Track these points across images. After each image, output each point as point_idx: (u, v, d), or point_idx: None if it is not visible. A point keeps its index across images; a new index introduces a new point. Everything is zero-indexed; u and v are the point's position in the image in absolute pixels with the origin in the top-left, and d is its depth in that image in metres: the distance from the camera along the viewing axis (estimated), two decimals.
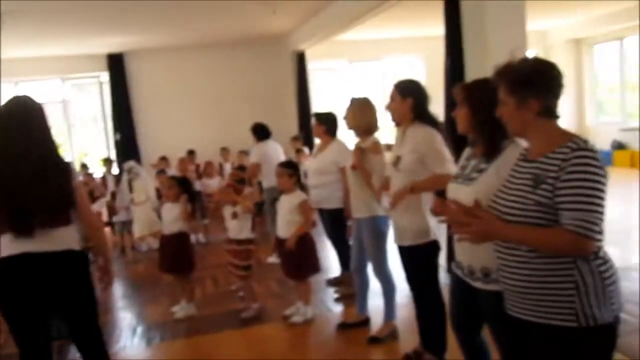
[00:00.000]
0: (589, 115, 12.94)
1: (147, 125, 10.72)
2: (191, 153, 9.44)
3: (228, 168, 8.83)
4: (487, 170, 2.22)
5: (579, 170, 1.68)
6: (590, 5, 9.88)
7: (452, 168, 2.82)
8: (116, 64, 10.47)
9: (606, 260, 1.80)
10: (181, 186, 4.77)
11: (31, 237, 2.48)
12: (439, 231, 3.16)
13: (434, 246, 3.13)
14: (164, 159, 9.06)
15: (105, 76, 10.61)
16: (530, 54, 5.42)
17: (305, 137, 6.65)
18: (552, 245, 1.74)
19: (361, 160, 3.67)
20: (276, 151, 6.42)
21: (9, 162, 2.50)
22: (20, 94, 2.67)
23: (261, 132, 6.50)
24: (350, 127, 3.88)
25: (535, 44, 12.50)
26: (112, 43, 9.54)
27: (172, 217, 4.69)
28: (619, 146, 11.77)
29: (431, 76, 10.15)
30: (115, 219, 7.69)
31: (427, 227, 3.05)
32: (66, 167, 2.58)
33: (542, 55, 12.84)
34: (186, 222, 4.73)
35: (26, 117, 2.53)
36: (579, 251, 1.72)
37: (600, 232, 1.71)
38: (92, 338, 2.75)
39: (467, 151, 2.47)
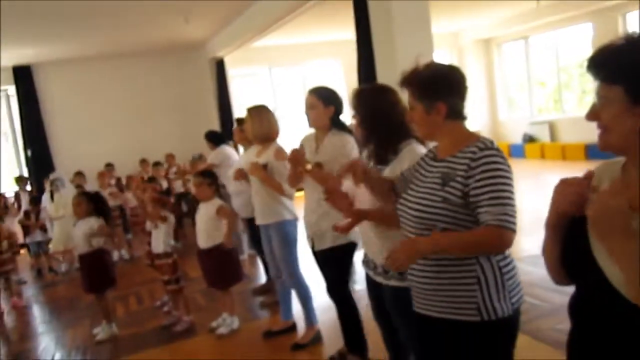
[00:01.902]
0: (501, 111, 13.62)
1: (62, 140, 10.25)
2: (109, 166, 9.12)
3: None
4: (383, 172, 2.33)
5: (491, 169, 1.74)
6: (496, 6, 10.40)
7: None
8: (24, 77, 9.94)
9: (506, 256, 1.86)
10: (91, 202, 4.57)
11: None
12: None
13: (351, 246, 3.18)
14: (79, 173, 8.69)
15: (12, 89, 10.04)
16: (438, 56, 5.65)
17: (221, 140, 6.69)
18: (480, 244, 1.76)
19: (265, 175, 3.67)
20: (234, 156, 6.31)
21: None
22: None
23: (216, 138, 6.53)
24: (251, 136, 3.89)
25: (447, 45, 13.07)
26: (19, 54, 9.04)
27: (83, 234, 4.48)
28: (529, 139, 12.46)
29: (349, 80, 10.35)
30: (29, 239, 7.31)
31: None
32: None
33: (454, 55, 13.45)
34: (102, 239, 4.54)
35: None
36: (504, 245, 1.75)
37: (516, 224, 1.75)
38: None
39: (364, 154, 2.58)
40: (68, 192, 6.92)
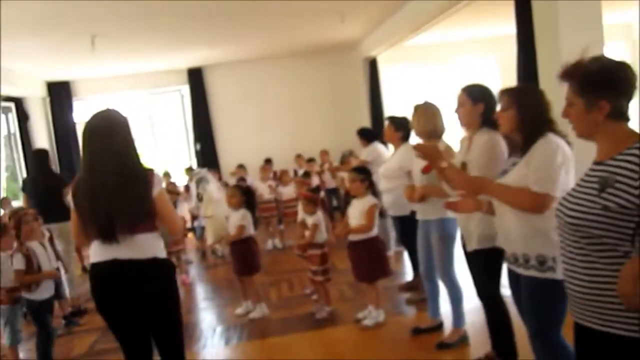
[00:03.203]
0: None
1: (225, 135, 11.18)
2: (268, 161, 9.74)
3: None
4: (519, 163, 2.45)
5: None
6: None
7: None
8: (196, 77, 11.02)
9: None
10: (244, 195, 5.02)
11: (117, 243, 2.60)
12: None
13: (497, 251, 3.09)
14: (241, 166, 9.42)
15: (186, 89, 11.17)
16: (609, 49, 5.19)
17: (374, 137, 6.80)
18: None
19: (438, 161, 3.65)
20: (385, 154, 6.43)
21: (93, 170, 2.64)
22: (108, 107, 2.80)
23: (369, 135, 6.74)
24: (417, 133, 3.91)
25: (619, 37, 11.85)
26: (192, 58, 10.05)
27: (235, 224, 4.94)
28: None
29: (504, 77, 9.93)
30: (196, 224, 8.09)
31: (492, 231, 3.03)
32: (147, 177, 2.67)
33: (627, 48, 12.17)
34: (247, 228, 4.93)
35: (110, 130, 2.65)
36: None
37: None
38: (175, 346, 2.85)
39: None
40: (212, 188, 7.42)
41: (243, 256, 4.96)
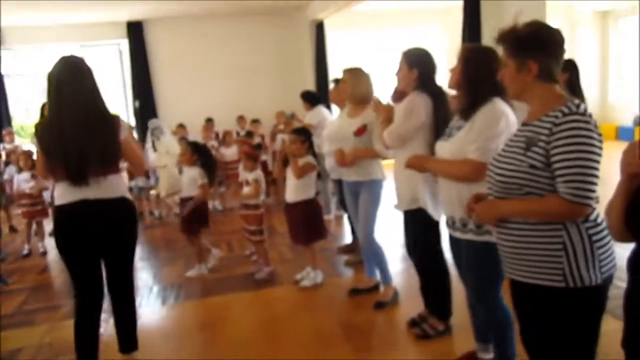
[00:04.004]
0: (612, 91, 12.72)
1: (166, 93, 10.82)
2: (209, 121, 9.52)
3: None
4: (464, 127, 2.45)
5: (570, 135, 1.70)
6: None
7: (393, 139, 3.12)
8: (136, 32, 10.51)
9: (597, 224, 1.82)
10: (196, 152, 4.90)
11: (86, 185, 2.69)
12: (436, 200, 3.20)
13: (426, 213, 3.17)
14: (181, 126, 9.16)
15: (125, 43, 10.67)
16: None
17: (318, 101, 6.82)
18: (547, 213, 1.80)
19: (360, 154, 3.74)
20: (329, 117, 6.41)
21: (61, 114, 2.68)
22: (71, 54, 2.84)
23: (312, 98, 6.68)
24: (347, 96, 3.92)
25: (560, 17, 12.24)
26: (132, 11, 9.58)
27: (188, 180, 4.85)
28: None
29: (451, 47, 10.06)
30: (133, 184, 7.84)
31: (418, 195, 3.09)
32: (114, 120, 2.78)
33: (566, 28, 12.59)
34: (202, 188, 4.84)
35: (77, 75, 2.73)
36: (574, 217, 1.77)
37: (593, 198, 1.73)
38: (128, 283, 3.05)
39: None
40: (167, 139, 7.29)
41: (192, 213, 4.85)
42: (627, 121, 11.85)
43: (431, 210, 3.07)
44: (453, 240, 2.65)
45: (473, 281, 2.56)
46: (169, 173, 6.91)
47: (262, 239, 4.73)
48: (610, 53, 12.66)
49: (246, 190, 4.67)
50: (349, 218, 5.10)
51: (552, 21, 4.32)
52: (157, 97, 10.81)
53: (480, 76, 2.41)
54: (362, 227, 3.87)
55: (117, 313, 3.06)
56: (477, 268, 2.49)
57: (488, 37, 4.61)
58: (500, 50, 1.98)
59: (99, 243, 2.81)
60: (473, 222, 2.42)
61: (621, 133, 11.78)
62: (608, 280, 1.85)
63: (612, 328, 1.96)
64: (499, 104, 2.39)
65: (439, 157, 2.58)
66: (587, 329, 1.87)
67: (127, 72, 10.80)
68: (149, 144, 7.54)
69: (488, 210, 1.95)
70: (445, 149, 2.53)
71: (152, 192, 8.09)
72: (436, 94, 3.06)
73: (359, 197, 3.87)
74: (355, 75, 3.89)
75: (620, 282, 1.96)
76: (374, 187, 3.83)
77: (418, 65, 3.09)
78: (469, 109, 2.45)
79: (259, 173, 4.71)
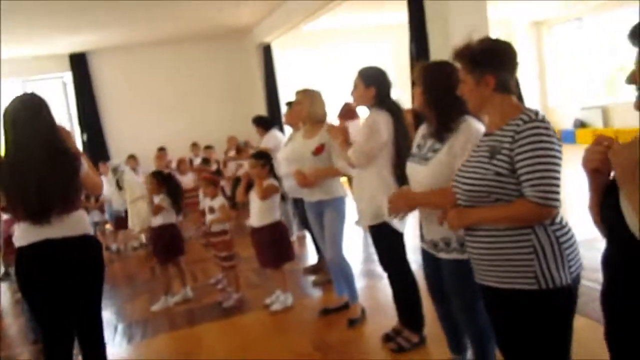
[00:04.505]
0: (551, 96, 13.28)
1: (115, 125, 10.62)
2: (162, 150, 9.38)
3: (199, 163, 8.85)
4: (440, 150, 2.41)
5: (532, 141, 1.78)
6: None
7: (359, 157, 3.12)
8: (79, 64, 10.32)
9: (563, 226, 1.90)
10: (161, 182, 4.90)
11: (48, 223, 2.59)
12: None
13: (390, 228, 3.20)
14: (132, 157, 8.99)
15: (68, 76, 10.43)
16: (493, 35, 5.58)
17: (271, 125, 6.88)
18: (517, 218, 1.85)
19: (323, 174, 3.77)
20: (284, 139, 6.42)
21: (20, 153, 2.61)
22: (25, 91, 2.86)
23: (265, 123, 6.67)
24: (304, 117, 3.95)
25: (499, 30, 12.73)
26: (74, 42, 9.38)
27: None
28: (580, 124, 12.13)
29: (397, 63, 10.29)
30: (89, 219, 7.60)
31: (381, 210, 3.12)
32: (74, 155, 2.71)
33: (506, 40, 13.11)
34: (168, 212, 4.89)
35: (34, 111, 2.67)
36: (542, 219, 1.84)
37: (559, 199, 1.81)
38: (97, 326, 2.91)
39: (422, 128, 2.64)
40: (129, 177, 7.25)
41: (166, 241, 4.84)
42: (568, 124, 12.39)
43: (395, 223, 3.11)
44: (430, 259, 2.63)
45: (459, 297, 2.55)
46: (139, 208, 6.82)
47: (233, 264, 4.70)
48: (546, 60, 13.25)
49: (210, 217, 4.62)
50: (314, 238, 5.11)
51: (493, 33, 4.53)
52: (105, 129, 10.61)
53: (443, 94, 2.37)
54: (330, 246, 3.87)
55: (87, 358, 2.91)
56: (462, 283, 2.43)
57: (436, 53, 4.75)
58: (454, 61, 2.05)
59: (66, 285, 2.68)
60: (456, 241, 2.42)
61: (563, 136, 12.30)
62: (577, 280, 1.92)
63: (579, 325, 2.02)
64: (473, 122, 2.38)
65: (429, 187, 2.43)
66: (561, 328, 1.93)
67: (73, 105, 10.52)
68: (108, 182, 7.38)
69: (459, 218, 1.98)
70: (422, 173, 2.47)
71: (107, 226, 7.89)
72: (394, 111, 3.12)
73: (324, 217, 3.88)
74: (310, 96, 3.93)
75: (585, 281, 2.05)
76: (337, 205, 3.85)
77: (374, 83, 3.14)
78: (442, 131, 2.43)
79: (222, 199, 4.68)
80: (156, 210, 4.80)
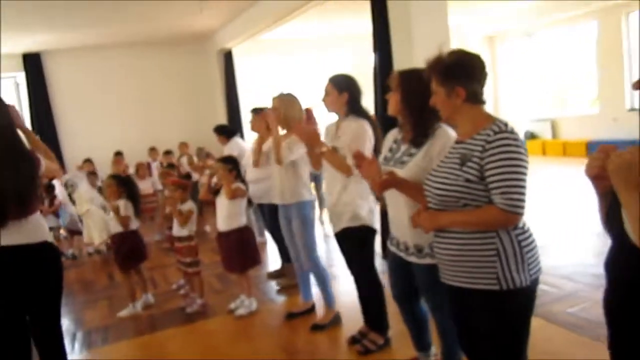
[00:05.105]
0: (503, 108, 13.75)
1: (69, 127, 10.36)
2: (119, 154, 9.21)
3: (155, 168, 8.74)
4: (417, 154, 2.48)
5: (502, 151, 1.89)
6: (500, 3, 10.51)
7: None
8: (33, 64, 10.02)
9: (525, 230, 2.02)
10: (121, 185, 4.77)
11: (4, 228, 2.46)
12: (374, 217, 3.35)
13: (367, 230, 3.30)
14: (88, 161, 8.79)
15: (21, 76, 10.11)
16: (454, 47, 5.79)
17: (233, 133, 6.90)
18: (486, 223, 1.96)
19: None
20: (247, 146, 6.42)
21: None
22: None
23: (227, 132, 6.65)
24: (282, 121, 3.97)
25: (455, 42, 13.11)
26: (28, 42, 9.12)
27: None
28: (531, 136, 12.60)
29: (358, 71, 10.43)
30: None
31: (360, 211, 3.23)
32: (33, 156, 2.61)
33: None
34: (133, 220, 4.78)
35: None
36: (508, 225, 1.94)
37: (524, 207, 1.92)
38: (57, 337, 2.80)
39: (393, 133, 2.72)
40: (85, 187, 7.12)
41: (128, 248, 4.74)
42: (519, 135, 12.83)
43: (373, 223, 3.25)
44: (399, 261, 2.68)
45: (432, 299, 2.63)
46: (94, 218, 6.69)
47: (198, 270, 4.66)
48: (499, 73, 13.71)
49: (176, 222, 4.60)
50: (278, 243, 5.13)
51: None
52: (59, 131, 10.32)
53: (420, 100, 2.37)
54: (303, 251, 3.90)
55: None
56: (436, 288, 2.40)
57: (399, 62, 4.88)
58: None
59: (23, 296, 2.56)
60: (428, 247, 2.45)
61: None
62: (535, 282, 2.03)
63: (534, 326, 2.14)
64: (448, 129, 2.45)
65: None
66: (519, 328, 2.05)
67: (26, 106, 10.20)
68: (62, 194, 7.23)
69: (430, 220, 2.08)
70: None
71: (62, 231, 7.68)
72: (368, 117, 3.22)
73: (292, 223, 3.92)
74: (287, 101, 3.95)
75: (542, 285, 2.17)
76: (302, 209, 3.87)
77: (347, 89, 3.23)
78: (419, 136, 2.49)
79: (191, 204, 4.65)
80: (124, 221, 4.66)
